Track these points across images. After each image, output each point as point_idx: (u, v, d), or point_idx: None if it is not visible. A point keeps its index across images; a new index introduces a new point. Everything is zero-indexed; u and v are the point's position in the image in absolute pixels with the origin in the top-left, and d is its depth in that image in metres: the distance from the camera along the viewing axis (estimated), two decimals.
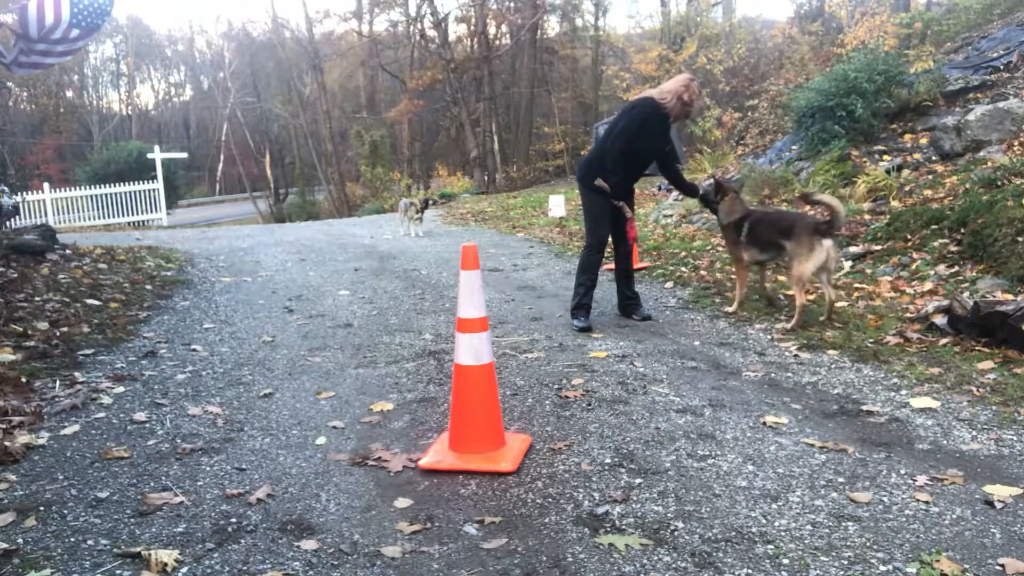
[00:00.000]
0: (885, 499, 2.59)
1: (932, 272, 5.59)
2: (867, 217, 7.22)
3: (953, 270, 5.51)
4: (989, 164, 7.07)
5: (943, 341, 4.36)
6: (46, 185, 19.15)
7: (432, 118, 31.68)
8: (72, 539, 2.42)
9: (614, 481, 2.79)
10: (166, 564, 2.23)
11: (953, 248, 5.77)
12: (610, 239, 5.35)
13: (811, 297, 5.35)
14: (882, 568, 2.17)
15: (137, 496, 2.72)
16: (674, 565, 2.22)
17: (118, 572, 2.23)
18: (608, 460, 2.97)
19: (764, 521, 2.46)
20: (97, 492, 2.75)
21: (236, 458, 3.07)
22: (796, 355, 4.39)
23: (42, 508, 2.62)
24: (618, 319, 5.45)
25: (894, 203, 7.28)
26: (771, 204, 8.68)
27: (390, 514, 2.58)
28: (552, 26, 29.84)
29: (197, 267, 8.45)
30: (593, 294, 5.28)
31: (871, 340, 4.53)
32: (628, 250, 5.42)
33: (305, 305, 6.25)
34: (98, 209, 19.37)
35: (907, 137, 8.88)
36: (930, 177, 7.61)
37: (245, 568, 2.25)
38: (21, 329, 4.85)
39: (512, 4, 27.11)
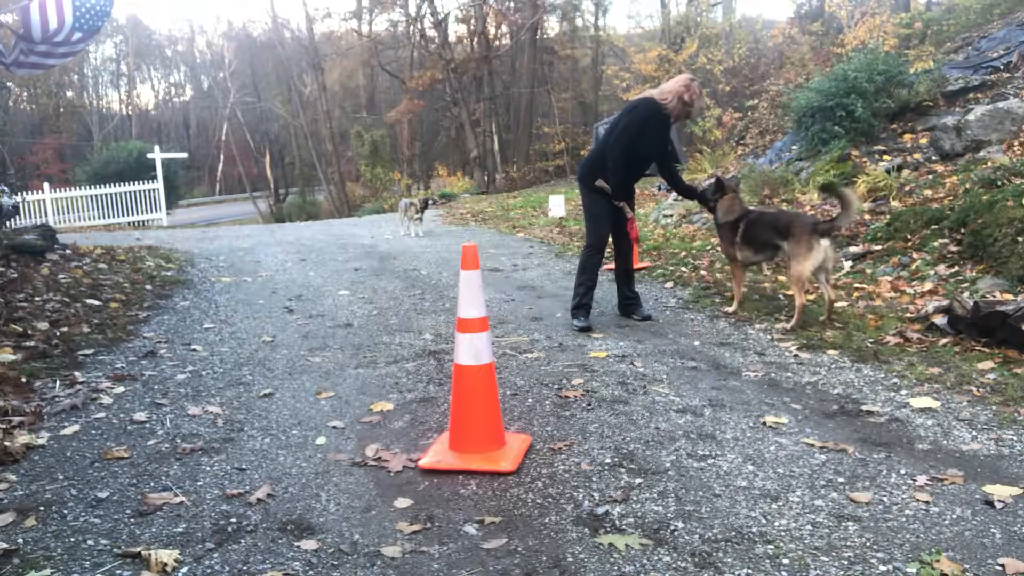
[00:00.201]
0: (885, 499, 2.59)
1: (932, 272, 5.59)
2: (867, 217, 7.22)
3: (953, 270, 5.51)
4: (989, 164, 7.07)
5: (943, 341, 4.36)
6: (46, 185, 19.16)
7: (432, 118, 31.70)
8: (72, 539, 2.42)
9: (614, 481, 2.79)
10: (166, 564, 2.23)
11: (953, 248, 5.77)
12: (610, 239, 5.36)
13: (811, 297, 5.35)
14: (882, 568, 2.17)
15: (137, 496, 2.72)
16: (674, 565, 2.22)
17: (118, 572, 2.23)
18: (608, 460, 2.97)
19: (764, 521, 2.46)
20: (97, 492, 2.75)
21: (236, 458, 3.07)
22: (796, 355, 4.39)
23: (42, 508, 2.62)
24: (618, 319, 5.45)
25: (894, 203, 7.27)
26: (771, 204, 8.68)
27: (390, 514, 2.58)
28: (552, 26, 29.87)
29: (197, 267, 8.45)
30: (593, 294, 5.28)
31: (871, 340, 4.53)
32: (628, 250, 5.42)
33: (305, 305, 6.25)
34: (98, 209, 19.37)
35: (907, 137, 8.88)
36: (930, 177, 7.61)
37: (245, 568, 2.25)
38: (21, 329, 4.85)
39: (512, 4, 27.10)
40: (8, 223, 8.42)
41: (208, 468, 2.97)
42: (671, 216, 10.14)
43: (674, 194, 10.87)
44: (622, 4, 68.00)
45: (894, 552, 2.26)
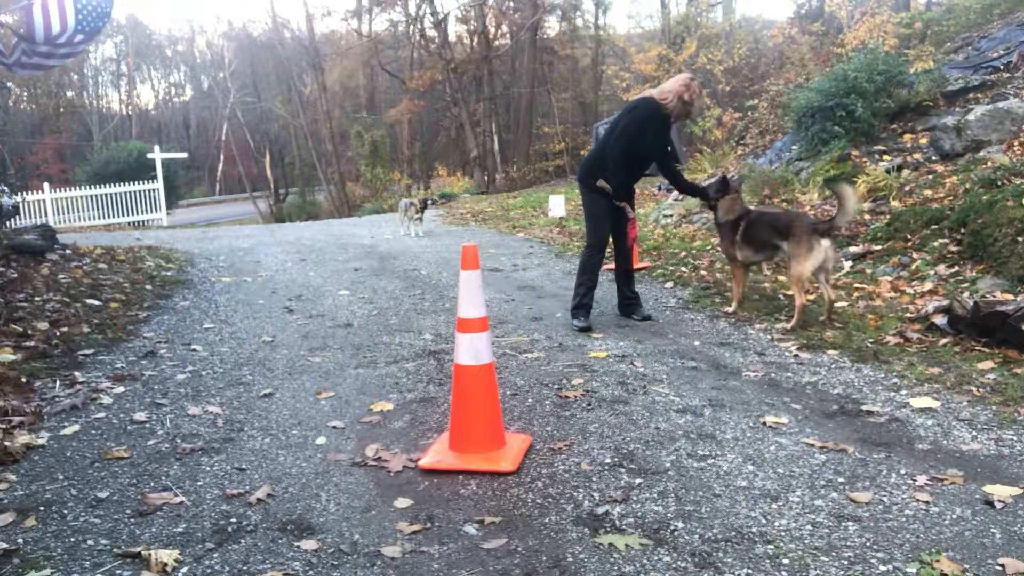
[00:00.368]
0: (885, 499, 2.59)
1: (932, 272, 5.59)
2: (867, 217, 7.22)
3: (953, 270, 5.51)
4: (989, 164, 7.07)
5: (943, 341, 4.36)
6: (46, 185, 19.17)
7: (432, 118, 31.70)
8: (72, 539, 2.42)
9: (614, 481, 2.79)
10: (166, 564, 2.23)
11: (953, 248, 5.77)
12: (610, 239, 5.36)
13: (811, 297, 5.35)
14: (882, 568, 2.17)
15: (137, 496, 2.72)
16: (674, 565, 2.22)
17: (118, 572, 2.23)
18: (608, 460, 2.97)
19: (764, 521, 2.46)
20: (97, 492, 2.75)
21: (236, 458, 3.07)
22: (796, 355, 4.39)
23: (42, 508, 2.62)
24: (618, 319, 5.45)
25: (894, 203, 7.28)
26: (771, 204, 8.68)
27: (390, 514, 2.58)
28: (552, 26, 29.84)
29: (197, 267, 8.45)
30: (593, 294, 5.28)
31: (871, 340, 4.53)
32: (628, 250, 5.42)
33: (305, 305, 6.25)
34: (98, 209, 19.37)
35: (907, 137, 8.88)
36: (930, 177, 7.61)
37: (245, 568, 2.25)
38: (21, 329, 4.85)
39: (512, 4, 27.10)
40: (8, 223, 8.42)
41: (208, 468, 2.97)
42: (671, 216, 10.14)
43: (674, 194, 10.89)
44: (622, 4, 68.04)
45: (894, 552, 2.26)
